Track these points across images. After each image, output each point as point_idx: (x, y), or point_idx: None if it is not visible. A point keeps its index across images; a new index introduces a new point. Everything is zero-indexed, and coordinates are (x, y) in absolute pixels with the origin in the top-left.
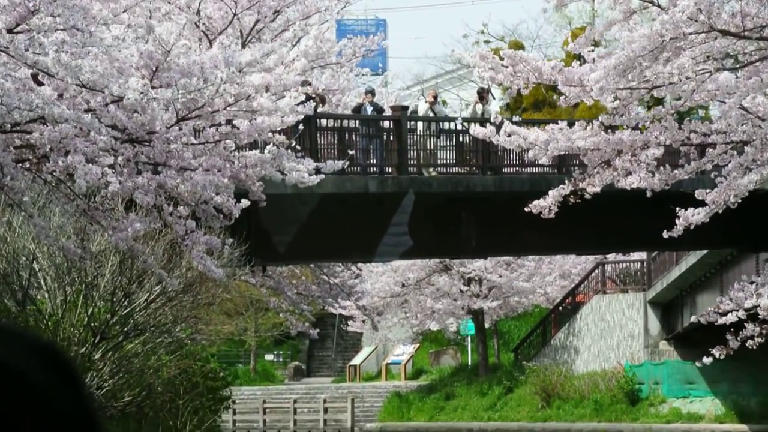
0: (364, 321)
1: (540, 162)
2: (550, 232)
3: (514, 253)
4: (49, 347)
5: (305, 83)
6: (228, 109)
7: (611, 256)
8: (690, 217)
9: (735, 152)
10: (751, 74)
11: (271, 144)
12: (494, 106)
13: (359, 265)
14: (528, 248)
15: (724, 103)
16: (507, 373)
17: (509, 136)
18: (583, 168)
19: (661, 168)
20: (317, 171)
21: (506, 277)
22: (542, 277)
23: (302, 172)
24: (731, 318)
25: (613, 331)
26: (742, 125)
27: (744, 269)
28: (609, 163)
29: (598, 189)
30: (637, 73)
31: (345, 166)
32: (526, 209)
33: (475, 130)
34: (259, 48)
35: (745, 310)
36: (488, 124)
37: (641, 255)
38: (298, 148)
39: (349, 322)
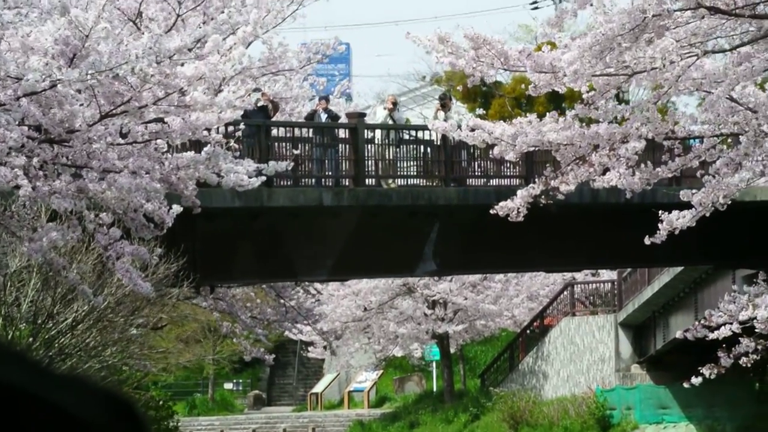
0: (325, 347)
1: (507, 158)
2: (516, 249)
3: (479, 270)
4: (120, 400)
5: (257, 90)
6: (158, 104)
7: (580, 277)
8: (674, 221)
9: (725, 147)
10: (742, 60)
11: (210, 145)
12: (456, 114)
13: (319, 287)
14: (493, 266)
15: (710, 93)
16: (473, 400)
17: (472, 130)
18: (556, 167)
19: (642, 166)
20: (259, 173)
21: (472, 300)
22: (509, 299)
23: (241, 174)
24: (724, 332)
25: (583, 354)
26: (732, 117)
27: (720, 288)
28: (584, 159)
29: (572, 188)
30: (616, 55)
31: (297, 176)
32: (491, 212)
33: (435, 124)
34: (190, 33)
35: (740, 323)
36: (449, 120)
37: (611, 275)
38: (236, 146)
39: (310, 348)
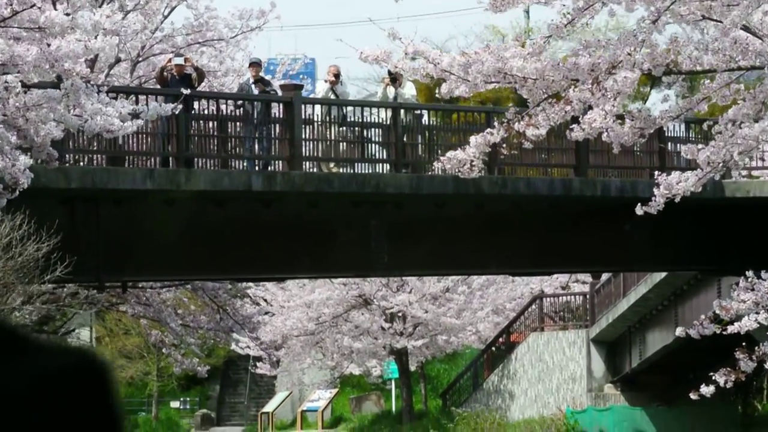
0: (277, 362)
1: (458, 94)
2: (478, 246)
3: (434, 271)
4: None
5: (178, 55)
6: (4, 25)
7: (549, 290)
8: (675, 184)
9: (741, 87)
10: None
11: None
12: (409, 90)
13: (268, 298)
14: (451, 265)
15: (720, 22)
16: (434, 421)
17: (413, 59)
18: (522, 106)
19: (634, 110)
20: (135, 116)
21: (433, 313)
22: (473, 312)
23: (111, 116)
24: (748, 324)
25: (553, 373)
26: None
27: (703, 300)
28: (559, 97)
29: (542, 132)
30: None
31: (223, 157)
32: (436, 164)
33: (365, 52)
34: None
35: None
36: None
37: (583, 288)
38: (100, 79)
39: (258, 364)
